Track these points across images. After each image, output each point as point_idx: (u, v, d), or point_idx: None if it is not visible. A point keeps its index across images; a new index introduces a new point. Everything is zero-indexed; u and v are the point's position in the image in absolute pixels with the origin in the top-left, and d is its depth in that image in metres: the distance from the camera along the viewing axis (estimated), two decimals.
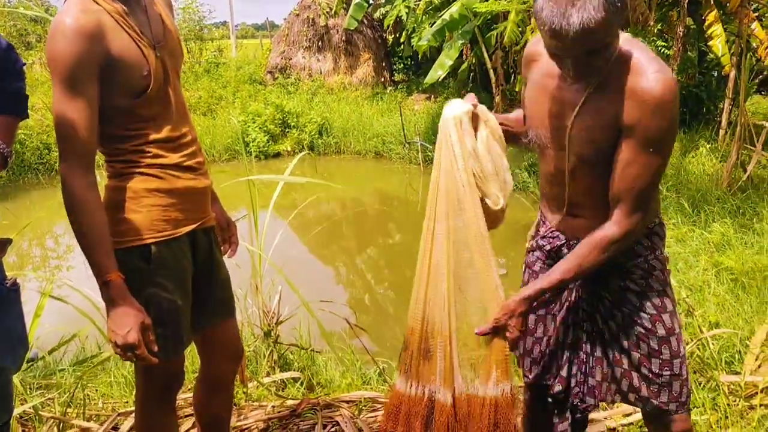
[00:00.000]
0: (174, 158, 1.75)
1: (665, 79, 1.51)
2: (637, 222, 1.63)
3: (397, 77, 16.46)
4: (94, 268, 1.57)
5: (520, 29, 7.68)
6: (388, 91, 15.12)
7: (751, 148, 6.49)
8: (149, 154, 1.71)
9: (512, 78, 10.80)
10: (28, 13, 5.14)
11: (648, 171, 1.57)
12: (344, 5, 14.65)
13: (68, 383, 2.88)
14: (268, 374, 3.22)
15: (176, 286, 1.75)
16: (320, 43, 15.86)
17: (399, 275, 7.00)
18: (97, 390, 2.92)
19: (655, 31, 8.69)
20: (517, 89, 9.71)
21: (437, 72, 9.60)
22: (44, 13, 4.70)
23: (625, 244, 1.65)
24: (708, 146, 7.71)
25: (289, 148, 13.01)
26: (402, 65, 16.32)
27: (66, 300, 3.12)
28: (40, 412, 2.54)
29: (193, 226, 1.82)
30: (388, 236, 8.87)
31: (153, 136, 1.71)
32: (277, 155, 12.86)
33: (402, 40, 14.01)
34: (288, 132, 13.28)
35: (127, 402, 2.77)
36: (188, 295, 1.81)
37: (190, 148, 1.81)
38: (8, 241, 1.45)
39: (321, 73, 15.79)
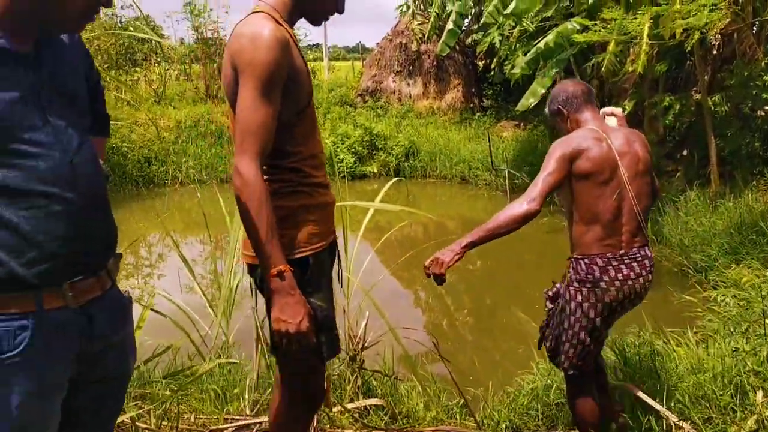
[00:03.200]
0: (318, 176, 1.86)
1: None
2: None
3: (486, 103, 16.38)
4: (267, 259, 1.64)
5: (618, 59, 7.48)
6: (476, 117, 15.05)
7: None
8: (302, 173, 1.80)
9: (605, 106, 10.53)
10: (138, 35, 5.43)
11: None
12: (437, 31, 14.76)
13: (162, 395, 2.99)
14: (351, 400, 3.22)
15: (327, 295, 1.86)
16: (411, 67, 16.01)
17: (478, 302, 6.89)
18: (189, 404, 3.01)
19: (763, 65, 8.26)
20: None
21: (529, 100, 9.48)
22: (154, 34, 4.96)
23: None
24: None
25: (375, 170, 13.16)
26: (491, 91, 16.23)
27: (164, 314, 3.25)
28: (137, 423, 2.64)
29: (332, 238, 1.94)
30: (469, 262, 8.77)
31: (305, 154, 1.81)
32: (364, 177, 13.03)
33: (493, 66, 13.94)
34: (375, 154, 13.45)
35: (217, 418, 2.84)
36: (333, 303, 1.92)
37: (324, 165, 1.92)
38: (120, 256, 1.52)
39: (410, 97, 15.92)
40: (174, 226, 10.58)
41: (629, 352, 3.58)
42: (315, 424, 2.77)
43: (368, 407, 3.17)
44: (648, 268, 2.46)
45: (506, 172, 10.98)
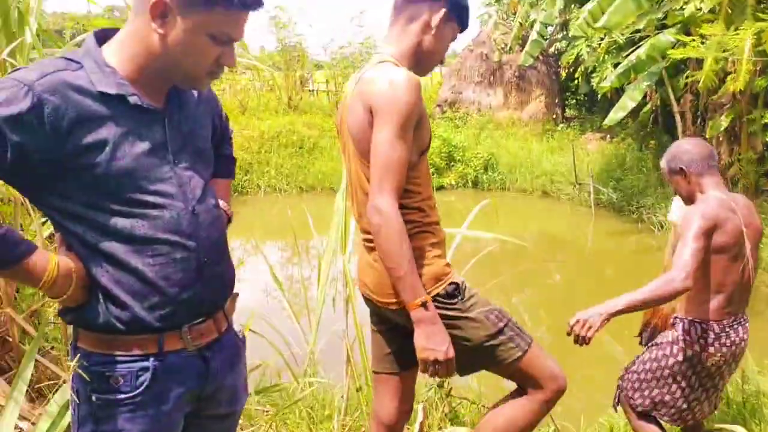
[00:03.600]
0: (435, 215, 1.91)
1: None
2: None
3: (569, 113, 16.03)
4: (410, 292, 1.70)
5: (716, 75, 7.16)
6: (559, 128, 14.76)
7: None
8: (424, 213, 1.85)
9: (699, 122, 10.09)
10: (262, 66, 5.68)
11: None
12: (520, 41, 14.57)
13: (255, 412, 3.05)
14: (440, 428, 3.19)
15: (483, 300, 1.93)
16: (492, 78, 15.88)
17: (557, 318, 6.72)
18: (285, 423, 3.07)
19: None
20: (707, 135, 9.02)
21: (618, 113, 9.20)
22: (255, 60, 5.12)
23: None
24: None
25: (453, 182, 13.10)
26: (575, 101, 15.88)
27: (262, 335, 3.32)
28: None
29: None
30: (548, 276, 8.57)
31: (425, 195, 1.86)
32: (441, 188, 12.98)
33: (576, 76, 13.64)
34: (453, 166, 13.39)
35: None
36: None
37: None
38: (236, 295, 1.56)
39: (490, 108, 15.78)
40: (256, 232, 10.89)
41: (731, 390, 3.39)
42: None
43: None
44: (747, 331, 2.47)
45: (591, 186, 10.69)
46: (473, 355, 1.87)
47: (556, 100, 15.87)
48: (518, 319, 2.42)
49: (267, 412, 3.04)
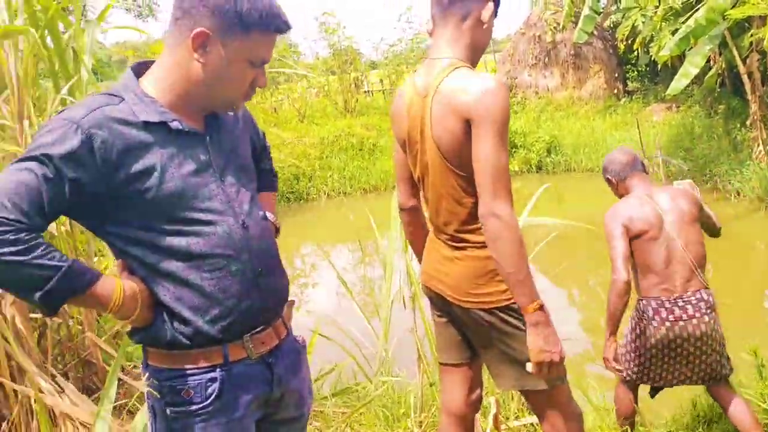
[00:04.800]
0: None
1: None
2: None
3: (630, 86, 15.52)
4: (528, 295, 1.73)
5: None
6: (622, 103, 14.32)
7: None
8: None
9: None
10: (284, 70, 5.78)
11: None
12: (572, 19, 14.21)
13: (333, 414, 3.13)
14: (516, 417, 3.19)
15: None
16: (547, 59, 15.57)
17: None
18: (360, 423, 3.13)
19: None
20: None
21: (681, 81, 8.85)
22: (297, 67, 5.20)
23: None
24: None
25: (516, 168, 12.92)
26: (636, 73, 15.36)
27: (330, 338, 3.40)
28: None
29: None
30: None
31: None
32: None
33: (635, 47, 13.20)
34: (515, 152, 13.21)
35: None
36: None
37: None
38: (293, 302, 1.62)
39: (548, 89, 15.48)
40: (323, 237, 11.07)
41: None
42: None
43: (534, 424, 3.11)
44: (703, 311, 2.72)
45: (660, 159, 10.32)
46: (516, 368, 1.88)
47: (616, 75, 15.39)
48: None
49: (344, 413, 3.11)
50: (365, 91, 19.98)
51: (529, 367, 1.78)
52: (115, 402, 2.27)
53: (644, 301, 2.80)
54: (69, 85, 2.74)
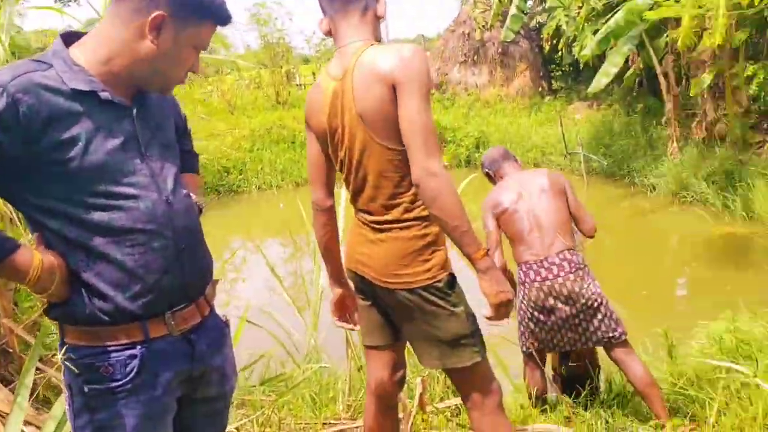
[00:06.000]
0: None
1: None
2: None
3: (555, 85, 16.03)
4: (474, 243, 1.77)
5: (695, 32, 7.18)
6: (546, 101, 14.77)
7: None
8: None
9: (683, 82, 10.11)
10: (214, 57, 5.68)
11: None
12: (500, 18, 14.55)
13: (261, 402, 3.12)
14: (441, 399, 3.26)
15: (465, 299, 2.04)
16: (476, 56, 15.87)
17: None
18: (288, 409, 3.14)
19: None
20: (691, 93, 9.05)
21: (601, 81, 9.22)
22: (231, 57, 5.12)
23: None
24: None
25: (446, 163, 13.07)
26: (560, 72, 15.87)
27: (260, 325, 3.39)
28: None
29: None
30: None
31: None
32: None
33: (560, 47, 13.63)
34: (445, 147, 13.42)
35: (316, 423, 2.95)
36: None
37: None
38: (216, 282, 1.62)
39: (477, 86, 15.79)
40: (254, 230, 10.93)
41: (726, 338, 3.48)
42: (409, 426, 2.84)
43: (458, 405, 3.19)
44: (567, 269, 2.96)
45: (582, 155, 10.73)
46: (439, 346, 1.93)
47: (541, 73, 15.87)
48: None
49: (271, 400, 3.11)
50: (297, 85, 19.82)
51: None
52: (33, 392, 2.21)
53: (519, 268, 3.09)
54: None
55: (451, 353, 1.94)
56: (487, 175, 3.45)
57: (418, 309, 1.94)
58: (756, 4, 5.12)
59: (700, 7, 5.74)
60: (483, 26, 15.55)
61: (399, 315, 2.03)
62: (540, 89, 15.58)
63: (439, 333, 1.93)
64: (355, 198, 2.04)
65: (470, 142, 13.31)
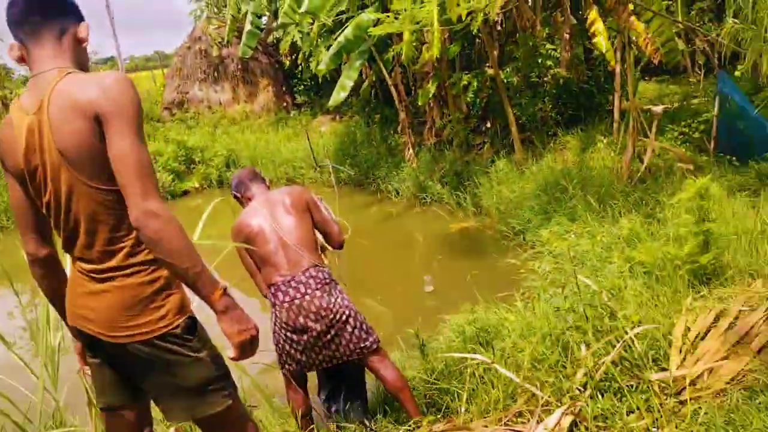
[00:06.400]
0: None
1: None
2: None
3: (299, 99, 16.36)
4: (210, 284, 1.64)
5: (416, 46, 7.78)
6: (291, 115, 14.99)
7: (645, 139, 6.83)
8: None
9: (413, 92, 10.96)
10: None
11: None
12: (236, 34, 14.43)
13: None
14: None
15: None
16: (216, 73, 15.56)
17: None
18: None
19: (543, 35, 9.02)
20: (420, 103, 9.83)
21: (339, 94, 9.58)
22: None
23: None
24: (605, 140, 8.05)
25: (197, 185, 12.67)
26: (303, 87, 16.24)
27: None
28: None
29: None
30: None
31: None
32: (186, 193, 12.49)
33: (299, 62, 13.95)
34: (194, 168, 12.95)
35: None
36: None
37: None
38: None
39: (221, 104, 15.49)
40: None
41: (468, 329, 3.76)
42: None
43: None
44: (314, 286, 2.99)
45: (330, 167, 11.06)
46: (186, 397, 1.81)
47: (284, 89, 16.08)
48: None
49: None
50: None
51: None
52: None
53: (269, 290, 3.05)
54: None
55: (200, 401, 1.81)
56: (236, 197, 3.42)
57: (158, 361, 1.77)
58: (463, 19, 5.68)
59: (417, 22, 6.21)
60: (219, 42, 15.29)
61: (136, 370, 1.83)
62: (284, 104, 15.77)
63: (185, 382, 1.78)
64: (68, 245, 1.79)
65: (220, 161, 12.98)
